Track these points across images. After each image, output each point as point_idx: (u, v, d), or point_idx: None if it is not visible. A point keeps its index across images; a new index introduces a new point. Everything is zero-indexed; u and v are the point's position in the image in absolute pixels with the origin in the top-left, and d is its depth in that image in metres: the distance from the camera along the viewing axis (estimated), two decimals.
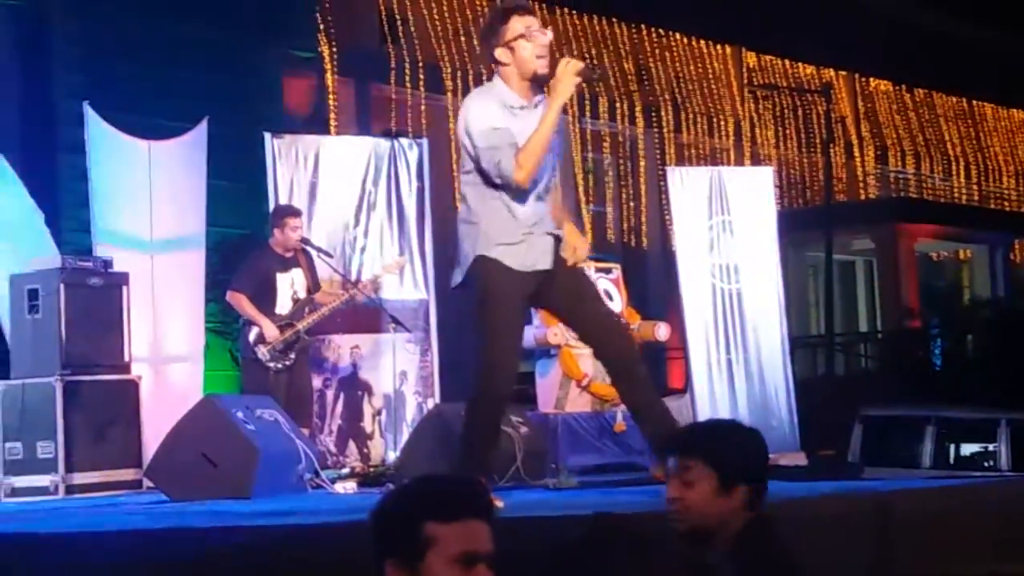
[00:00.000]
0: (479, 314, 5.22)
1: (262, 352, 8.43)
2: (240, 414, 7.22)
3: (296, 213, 8.76)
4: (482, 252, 5.16)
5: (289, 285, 8.56)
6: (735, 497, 3.13)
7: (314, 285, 8.66)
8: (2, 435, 8.19)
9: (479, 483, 2.63)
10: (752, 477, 3.16)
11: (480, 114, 5.13)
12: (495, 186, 5.11)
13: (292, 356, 8.44)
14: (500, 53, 5.16)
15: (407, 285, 9.98)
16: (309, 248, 8.72)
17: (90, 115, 9.26)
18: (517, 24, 5.14)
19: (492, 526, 2.50)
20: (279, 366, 8.44)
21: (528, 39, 5.13)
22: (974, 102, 26.26)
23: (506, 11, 5.22)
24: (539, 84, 5.20)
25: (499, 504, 5.65)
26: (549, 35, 5.21)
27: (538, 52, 5.14)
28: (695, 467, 3.16)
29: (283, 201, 9.42)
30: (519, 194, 5.13)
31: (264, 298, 8.50)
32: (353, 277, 9.43)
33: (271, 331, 8.40)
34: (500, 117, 5.10)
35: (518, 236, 5.15)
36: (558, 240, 5.28)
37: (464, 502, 2.50)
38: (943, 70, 24.22)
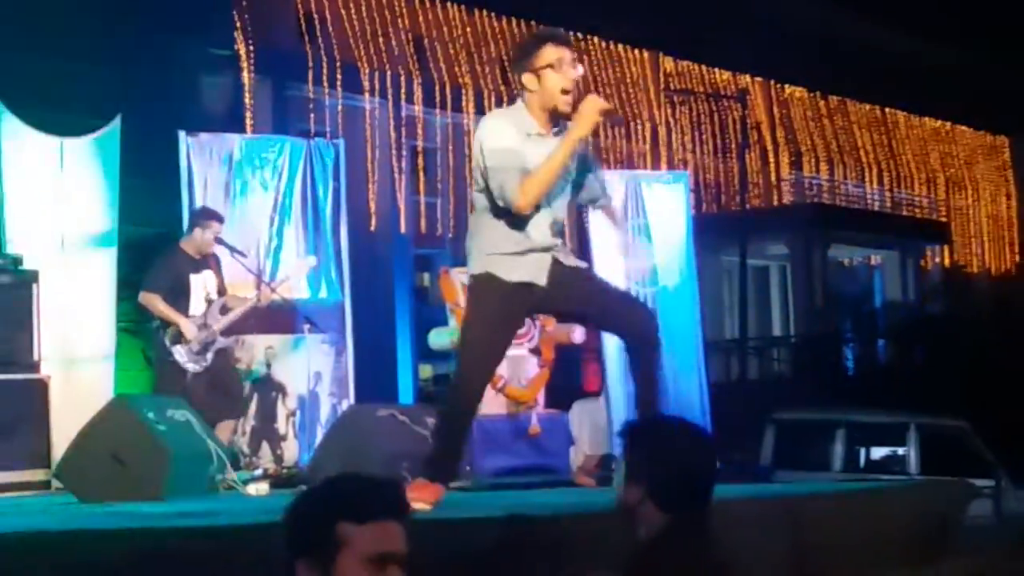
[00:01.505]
0: (466, 321, 5.27)
1: (180, 353, 8.35)
2: (151, 414, 7.13)
3: (220, 219, 8.67)
4: (476, 270, 5.16)
5: (202, 286, 8.49)
6: (632, 492, 3.17)
7: (222, 287, 8.59)
8: None
9: (393, 483, 2.61)
10: (661, 479, 3.17)
11: (494, 133, 5.07)
12: (497, 206, 5.08)
13: (209, 357, 8.37)
14: (527, 79, 5.10)
15: (323, 286, 9.93)
16: (223, 247, 8.64)
17: (1, 111, 9.11)
18: (550, 53, 5.06)
19: (405, 527, 2.49)
20: (197, 367, 8.37)
21: (557, 71, 5.05)
22: (887, 110, 26.69)
23: (542, 38, 5.16)
24: (559, 118, 5.14)
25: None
26: (580, 71, 5.14)
27: (565, 86, 5.06)
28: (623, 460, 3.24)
29: (198, 200, 9.34)
30: (521, 218, 5.08)
31: (177, 299, 8.41)
32: (267, 277, 9.36)
33: (190, 330, 8.33)
34: (514, 139, 5.03)
35: (512, 249, 5.11)
36: (556, 262, 5.22)
37: (377, 502, 2.49)
38: (857, 78, 24.59)
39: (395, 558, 2.46)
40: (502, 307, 5.15)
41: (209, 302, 8.47)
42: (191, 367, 8.37)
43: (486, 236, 5.13)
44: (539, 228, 5.15)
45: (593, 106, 5.04)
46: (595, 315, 5.46)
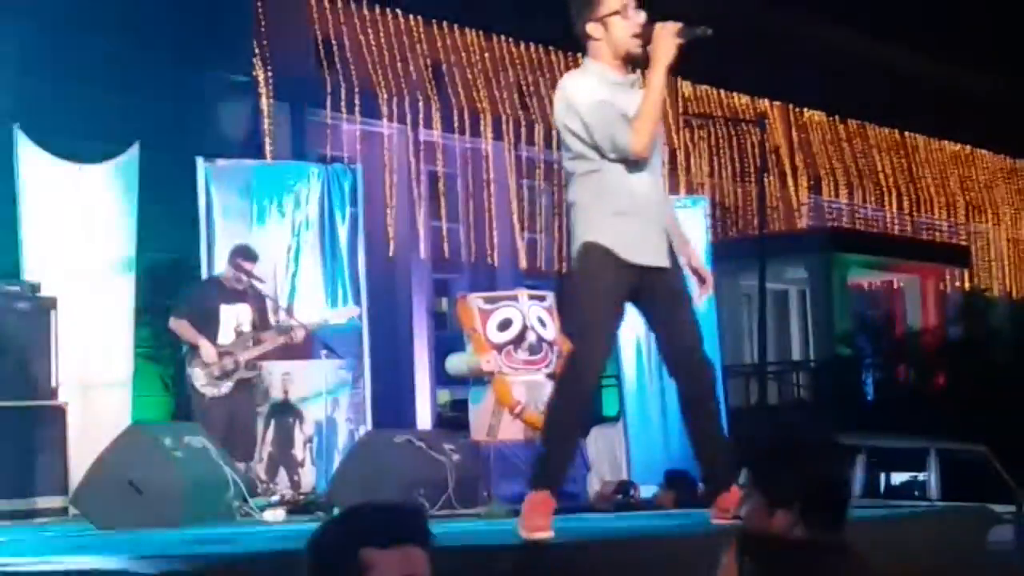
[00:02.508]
0: (575, 299, 5.00)
1: (197, 375, 8.38)
2: (168, 441, 7.13)
3: (249, 258, 8.70)
4: (588, 238, 4.91)
5: (233, 317, 8.53)
6: (780, 518, 3.00)
7: (261, 324, 8.60)
8: None
9: (416, 509, 2.61)
10: (799, 499, 2.93)
11: (582, 90, 4.92)
12: (607, 164, 4.88)
13: (229, 385, 8.39)
14: (592, 27, 4.97)
15: (340, 311, 9.92)
16: (257, 285, 8.71)
17: (20, 138, 9.15)
18: (614, 0, 4.96)
19: (429, 552, 2.47)
20: (214, 392, 8.38)
21: (624, 17, 4.95)
22: (907, 134, 26.63)
23: None
24: (631, 63, 5.02)
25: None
26: (643, 15, 5.00)
27: (633, 31, 4.94)
28: (749, 484, 3.04)
29: (216, 227, 9.42)
30: (629, 172, 4.91)
31: (205, 328, 8.47)
32: (284, 303, 9.38)
33: (208, 352, 8.37)
34: (602, 90, 4.91)
35: (627, 222, 4.91)
36: (668, 238, 5.05)
37: (401, 528, 2.47)
38: (876, 102, 24.55)
39: None
40: (617, 280, 4.91)
41: (239, 334, 8.50)
42: (207, 391, 8.39)
43: (594, 205, 4.92)
44: (648, 191, 4.98)
45: (668, 31, 4.90)
46: (668, 332, 5.13)
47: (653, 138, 4.93)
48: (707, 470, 5.26)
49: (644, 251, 4.96)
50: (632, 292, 5.00)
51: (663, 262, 5.02)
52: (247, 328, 8.53)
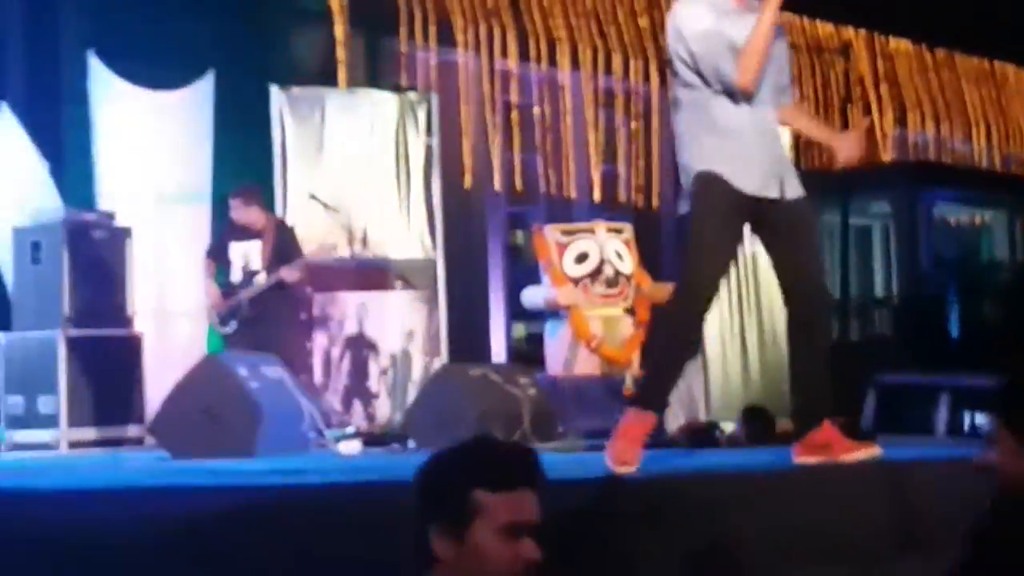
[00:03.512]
0: (692, 229, 4.90)
1: (208, 314, 8.58)
2: (244, 371, 7.13)
3: (234, 195, 8.62)
4: (703, 167, 4.83)
5: (241, 255, 8.50)
6: None
7: (277, 260, 8.45)
8: (4, 388, 8.12)
9: (529, 451, 2.53)
10: None
11: (692, 17, 4.84)
12: (715, 93, 4.82)
13: (234, 324, 8.39)
14: None
15: (415, 242, 9.83)
16: (317, 202, 8.66)
17: (95, 64, 9.11)
18: None
19: (541, 495, 2.45)
20: (224, 330, 8.49)
21: None
22: (996, 64, 26.00)
23: None
24: None
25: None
26: None
27: None
28: (998, 427, 2.90)
29: (289, 155, 9.37)
30: (738, 103, 4.83)
31: (220, 267, 8.57)
32: (359, 233, 9.32)
33: (210, 293, 8.52)
34: (713, 19, 4.82)
35: (738, 152, 4.83)
36: (783, 169, 4.96)
37: (515, 471, 2.45)
38: (964, 30, 23.96)
39: (529, 529, 2.42)
40: (735, 210, 4.84)
41: (247, 272, 8.44)
42: (218, 329, 8.53)
43: (707, 135, 4.84)
44: (762, 119, 4.89)
45: None
46: (785, 263, 5.02)
47: (759, 72, 4.81)
48: (800, 403, 5.13)
49: (756, 181, 4.86)
50: (749, 220, 4.95)
51: (775, 193, 4.91)
52: (257, 266, 8.46)
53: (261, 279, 8.44)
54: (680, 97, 4.96)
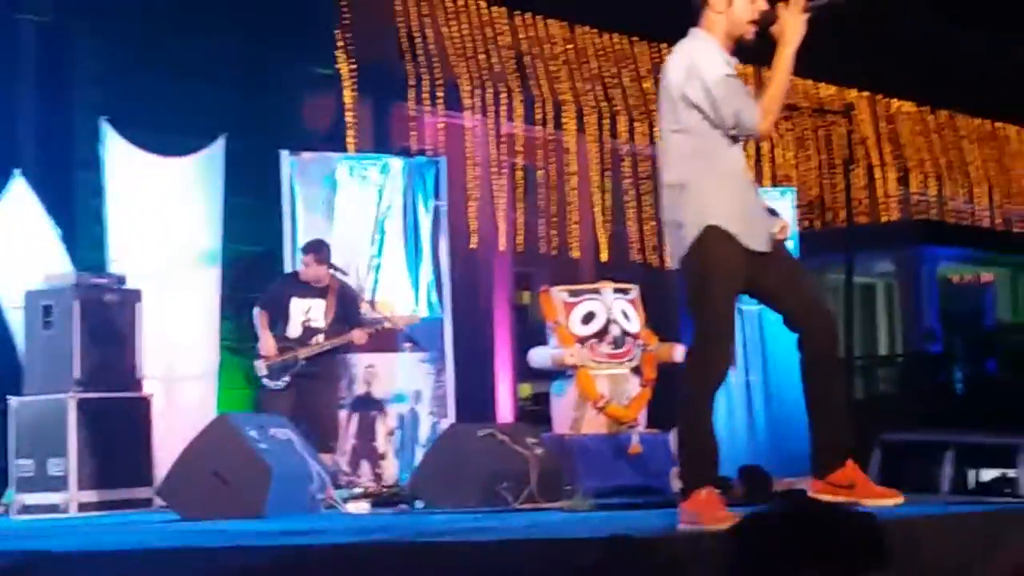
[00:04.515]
0: (700, 286, 4.69)
1: (258, 367, 8.56)
2: (253, 433, 7.16)
3: (308, 250, 8.72)
4: (709, 221, 4.65)
5: (303, 312, 8.56)
6: None
7: (338, 320, 8.58)
8: (15, 451, 8.15)
9: (878, 528, 2.46)
10: None
11: (713, 61, 4.70)
12: (721, 139, 4.69)
13: (286, 379, 8.45)
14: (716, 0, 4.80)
15: (423, 304, 9.92)
16: (340, 278, 8.74)
17: (107, 131, 9.24)
18: None
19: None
20: (274, 384, 8.51)
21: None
22: (997, 124, 26.14)
23: None
24: (735, 48, 4.84)
25: None
26: (765, 3, 4.83)
27: (753, 16, 4.79)
28: None
29: (299, 219, 9.48)
30: (735, 150, 4.73)
31: (275, 321, 8.56)
32: (368, 296, 9.40)
33: (267, 346, 8.51)
34: (729, 66, 4.73)
35: (745, 205, 4.73)
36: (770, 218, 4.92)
37: (857, 553, 2.40)
38: (965, 92, 24.12)
39: None
40: (740, 265, 4.70)
41: (308, 329, 8.52)
42: (267, 383, 8.55)
43: (712, 187, 4.69)
44: (747, 172, 4.84)
45: (794, 8, 4.74)
46: (790, 304, 4.89)
47: (776, 120, 4.79)
48: (822, 439, 4.97)
49: (760, 239, 4.78)
50: (747, 279, 4.80)
51: (768, 246, 4.82)
52: (320, 324, 8.53)
53: (321, 338, 8.51)
54: (679, 144, 4.76)
